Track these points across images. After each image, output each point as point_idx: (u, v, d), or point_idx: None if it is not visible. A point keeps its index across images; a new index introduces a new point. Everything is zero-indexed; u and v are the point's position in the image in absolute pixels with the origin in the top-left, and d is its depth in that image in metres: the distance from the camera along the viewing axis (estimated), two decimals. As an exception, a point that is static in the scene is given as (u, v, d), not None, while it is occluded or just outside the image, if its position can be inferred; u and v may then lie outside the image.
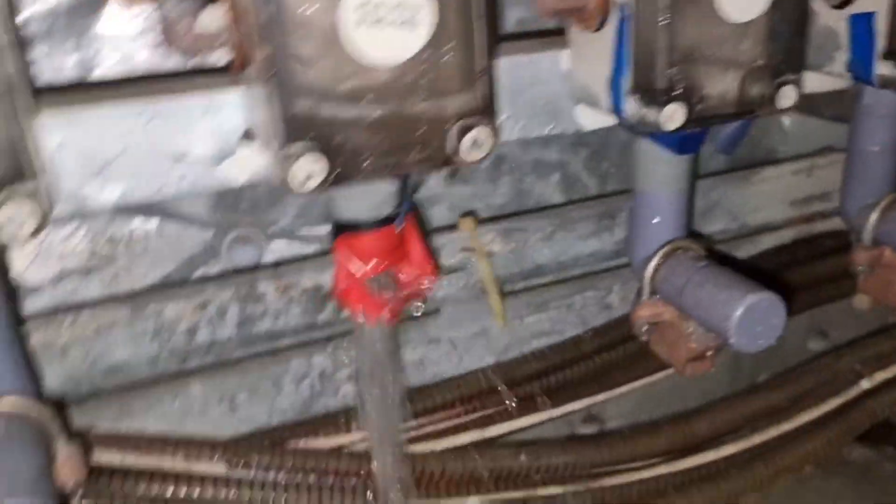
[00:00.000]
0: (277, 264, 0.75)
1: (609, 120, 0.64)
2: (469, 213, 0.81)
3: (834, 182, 0.98)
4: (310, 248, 0.90)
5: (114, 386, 0.70)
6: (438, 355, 0.82)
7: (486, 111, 0.48)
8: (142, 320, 0.69)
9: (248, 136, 0.55)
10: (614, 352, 0.89)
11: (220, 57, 0.54)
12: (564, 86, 0.64)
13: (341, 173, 0.46)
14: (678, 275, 0.64)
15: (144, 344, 0.70)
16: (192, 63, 0.66)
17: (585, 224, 0.85)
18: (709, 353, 0.65)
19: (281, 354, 0.76)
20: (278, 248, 0.88)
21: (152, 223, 0.82)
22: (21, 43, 0.40)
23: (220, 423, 0.74)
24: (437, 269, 0.61)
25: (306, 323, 0.76)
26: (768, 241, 0.96)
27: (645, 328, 0.68)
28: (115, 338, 0.68)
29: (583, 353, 0.88)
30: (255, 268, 0.77)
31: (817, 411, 0.87)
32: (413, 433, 0.80)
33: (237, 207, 0.86)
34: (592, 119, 0.66)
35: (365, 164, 0.47)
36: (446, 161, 0.49)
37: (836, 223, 1.00)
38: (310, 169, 0.45)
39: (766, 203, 0.95)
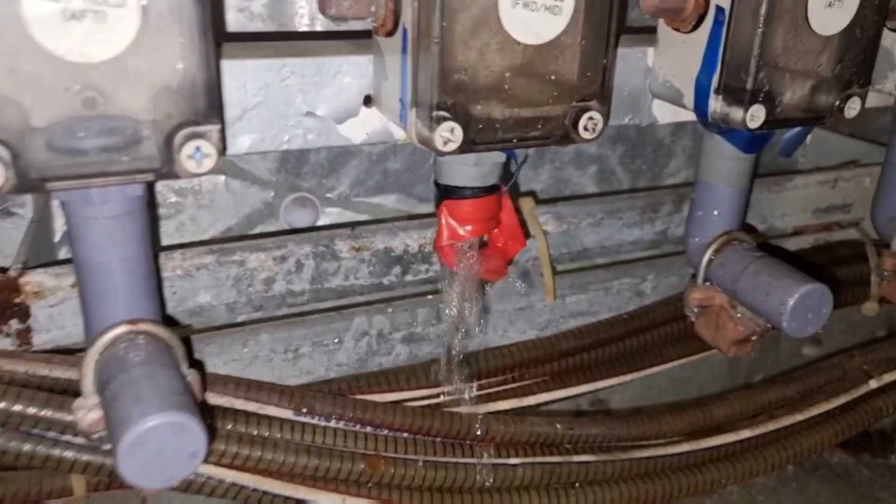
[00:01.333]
0: (354, 225, 0.79)
1: (683, 115, 0.70)
2: (528, 194, 0.86)
3: (854, 194, 1.05)
4: (361, 217, 0.95)
5: (194, 327, 0.74)
6: (486, 325, 0.87)
7: (603, 97, 0.53)
8: (225, 267, 0.73)
9: (368, 100, 0.59)
10: (642, 337, 0.95)
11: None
12: (646, 81, 0.69)
13: (475, 140, 0.51)
14: (735, 263, 0.69)
15: (225, 290, 0.74)
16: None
17: (631, 214, 0.91)
18: (753, 338, 0.71)
19: (346, 311, 0.80)
20: (332, 214, 0.93)
21: (219, 179, 0.86)
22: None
23: (283, 371, 0.79)
24: (526, 238, 0.66)
25: (372, 284, 0.80)
26: (791, 245, 1.03)
27: (695, 310, 0.73)
28: (200, 281, 0.72)
29: (615, 336, 0.94)
30: (335, 226, 0.82)
31: (827, 405, 0.94)
32: (457, 397, 0.85)
33: (299, 172, 0.91)
34: (667, 114, 0.71)
35: (495, 135, 0.51)
36: (562, 139, 0.54)
37: (851, 233, 1.07)
38: (450, 134, 0.49)
39: (792, 209, 1.01)
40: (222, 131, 0.44)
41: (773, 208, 1.00)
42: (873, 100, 0.78)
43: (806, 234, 1.05)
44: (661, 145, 1.08)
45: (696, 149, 1.05)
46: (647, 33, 0.70)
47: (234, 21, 0.81)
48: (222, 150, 0.45)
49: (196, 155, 0.44)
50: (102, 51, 0.40)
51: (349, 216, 0.94)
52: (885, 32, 0.72)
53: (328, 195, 0.93)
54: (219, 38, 0.55)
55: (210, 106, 0.44)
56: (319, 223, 0.93)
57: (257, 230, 0.91)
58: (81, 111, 0.43)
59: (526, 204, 0.84)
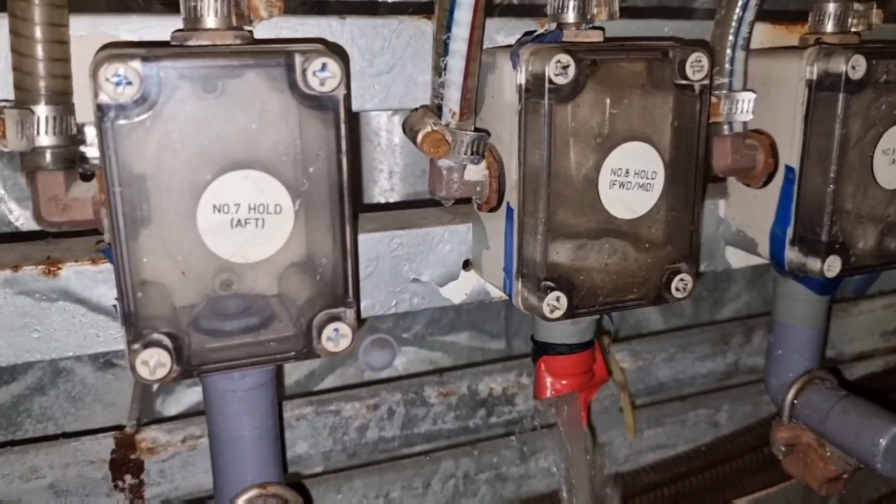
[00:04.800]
0: (441, 371, 0.83)
1: (755, 260, 0.73)
2: (605, 332, 0.89)
3: (921, 317, 1.06)
4: (436, 355, 0.98)
5: (291, 477, 0.77)
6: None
7: (692, 259, 0.57)
8: (323, 416, 0.76)
9: (467, 264, 0.64)
10: (721, 469, 0.95)
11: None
12: (719, 230, 0.74)
13: (578, 307, 0.54)
14: (820, 402, 0.71)
15: (322, 439, 0.77)
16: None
17: (703, 347, 0.93)
18: (845, 476, 0.72)
19: (434, 455, 0.82)
20: (408, 353, 0.96)
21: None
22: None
23: (374, 516, 0.80)
24: (611, 374, 0.69)
25: (459, 427, 0.83)
26: (861, 370, 1.04)
27: (783, 448, 0.74)
28: (299, 431, 0.75)
29: (694, 468, 0.94)
30: (424, 374, 0.85)
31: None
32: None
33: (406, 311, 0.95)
34: (740, 259, 0.75)
35: (596, 300, 0.55)
36: (656, 300, 0.57)
37: (920, 355, 1.08)
38: (556, 303, 0.53)
39: (860, 333, 1.03)
40: (358, 312, 0.49)
41: (840, 334, 1.01)
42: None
43: (876, 358, 1.06)
44: (719, 272, 1.11)
45: (755, 273, 1.08)
46: (717, 182, 0.75)
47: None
48: (356, 329, 0.49)
49: (333, 336, 0.48)
50: (260, 252, 0.45)
51: (425, 354, 0.97)
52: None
53: (404, 335, 0.96)
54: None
55: (347, 291, 0.48)
56: (396, 362, 0.96)
57: (338, 372, 0.94)
58: (235, 295, 0.48)
59: (603, 342, 0.87)
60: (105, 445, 0.69)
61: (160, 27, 0.51)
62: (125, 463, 0.70)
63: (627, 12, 0.85)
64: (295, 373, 0.92)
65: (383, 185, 0.90)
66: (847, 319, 1.02)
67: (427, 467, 0.81)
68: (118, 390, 0.81)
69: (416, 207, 0.68)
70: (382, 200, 0.90)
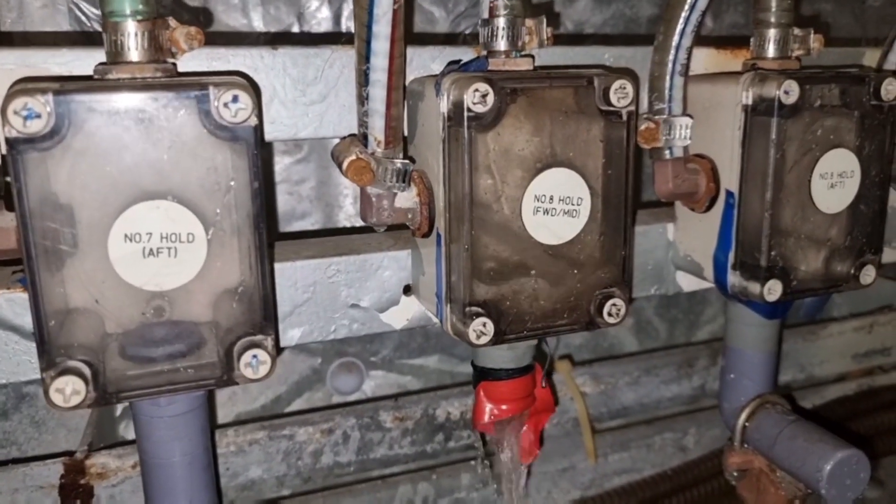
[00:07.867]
0: (397, 396, 0.83)
1: (706, 284, 0.73)
2: (565, 357, 0.89)
3: (893, 339, 1.05)
4: (405, 378, 0.98)
5: (244, 502, 0.77)
6: (530, 488, 0.88)
7: (624, 283, 0.57)
8: (276, 441, 0.76)
9: (408, 289, 0.64)
10: (688, 493, 0.94)
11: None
12: (668, 254, 0.74)
13: (506, 332, 0.55)
14: (769, 427, 0.70)
15: (276, 464, 0.77)
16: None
17: (668, 370, 0.93)
18: (796, 502, 0.71)
19: (391, 480, 0.82)
20: (377, 377, 0.96)
21: (270, 349, 0.91)
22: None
23: (330, 542, 0.80)
24: (556, 404, 0.69)
25: (416, 452, 0.83)
26: (832, 392, 1.03)
27: (735, 473, 0.74)
28: (252, 456, 0.76)
29: (660, 493, 0.93)
30: (379, 398, 0.85)
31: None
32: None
33: (344, 338, 0.95)
34: (692, 283, 0.75)
35: (524, 326, 0.55)
36: (588, 325, 0.57)
37: (895, 377, 1.07)
38: (483, 328, 0.53)
39: (831, 356, 1.02)
40: (276, 340, 0.49)
41: (810, 356, 1.01)
42: (890, 256, 0.81)
43: (849, 381, 1.05)
44: (694, 293, 1.11)
45: (730, 296, 1.08)
46: (667, 206, 0.75)
47: (284, 202, 0.88)
48: (276, 356, 0.49)
49: (253, 362, 0.49)
50: (174, 281, 0.46)
51: (393, 378, 0.97)
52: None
53: (372, 359, 0.96)
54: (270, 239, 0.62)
55: (266, 318, 0.49)
56: (364, 386, 0.97)
57: (305, 396, 0.94)
58: (151, 323, 0.48)
59: (563, 367, 0.87)
60: (54, 471, 0.69)
61: (91, 60, 0.52)
62: (74, 488, 0.70)
63: (566, 39, 0.86)
64: (261, 397, 0.92)
65: (348, 210, 0.91)
66: (817, 342, 1.01)
67: (383, 492, 0.81)
68: (82, 415, 0.82)
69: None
70: (348, 225, 0.91)
